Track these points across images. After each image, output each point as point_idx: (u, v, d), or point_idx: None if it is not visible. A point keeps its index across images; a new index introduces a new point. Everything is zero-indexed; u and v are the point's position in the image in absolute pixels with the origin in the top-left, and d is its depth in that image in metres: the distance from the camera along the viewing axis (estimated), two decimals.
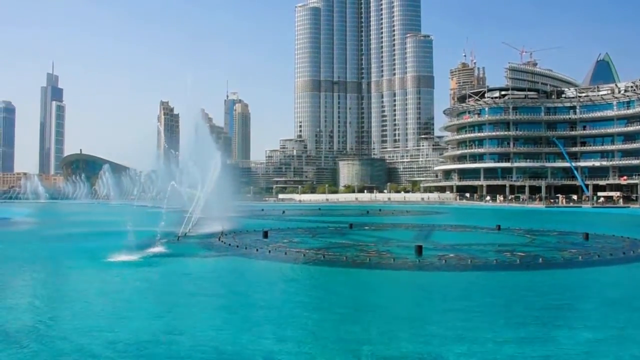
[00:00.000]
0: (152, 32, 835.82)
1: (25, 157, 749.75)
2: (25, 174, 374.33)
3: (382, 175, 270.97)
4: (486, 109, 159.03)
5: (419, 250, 29.26)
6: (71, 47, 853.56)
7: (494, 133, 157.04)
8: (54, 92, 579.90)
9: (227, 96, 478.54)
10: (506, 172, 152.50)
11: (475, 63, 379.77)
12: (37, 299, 19.16)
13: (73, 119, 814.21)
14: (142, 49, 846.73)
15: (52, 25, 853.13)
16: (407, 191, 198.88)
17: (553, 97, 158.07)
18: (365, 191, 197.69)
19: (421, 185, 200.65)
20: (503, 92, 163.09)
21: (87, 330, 14.22)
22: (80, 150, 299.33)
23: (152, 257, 28.75)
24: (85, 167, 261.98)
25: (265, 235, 39.58)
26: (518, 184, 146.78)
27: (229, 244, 34.22)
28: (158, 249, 31.73)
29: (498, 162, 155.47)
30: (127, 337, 13.54)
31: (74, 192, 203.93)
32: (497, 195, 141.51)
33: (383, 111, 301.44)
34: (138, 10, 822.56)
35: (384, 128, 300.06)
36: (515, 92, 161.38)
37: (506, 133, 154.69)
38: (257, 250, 31.23)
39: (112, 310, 16.88)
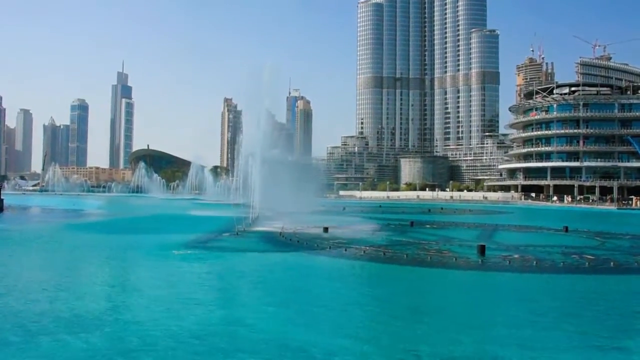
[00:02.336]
0: (216, 30, 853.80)
1: (97, 152, 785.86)
2: (97, 168, 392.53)
3: (445, 173, 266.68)
4: (554, 105, 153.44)
5: (482, 250, 28.61)
6: (140, 46, 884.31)
7: (562, 131, 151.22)
8: (123, 89, 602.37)
9: (290, 93, 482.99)
10: (575, 172, 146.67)
11: (543, 58, 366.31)
12: (104, 288, 19.98)
13: (141, 115, 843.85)
14: (206, 46, 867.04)
15: (122, 26, 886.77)
16: (469, 190, 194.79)
17: (628, 92, 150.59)
18: (427, 189, 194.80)
19: (484, 184, 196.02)
20: (573, 88, 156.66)
21: (151, 319, 14.69)
22: (148, 145, 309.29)
23: (213, 251, 29.45)
24: (152, 162, 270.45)
25: (326, 231, 39.73)
26: (587, 184, 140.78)
27: (290, 239, 34.53)
28: (219, 243, 32.44)
29: (566, 161, 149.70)
30: (189, 327, 13.90)
31: (142, 186, 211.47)
32: (565, 196, 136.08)
33: (446, 108, 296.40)
34: (202, 9, 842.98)
35: (447, 125, 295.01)
36: (587, 88, 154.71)
37: (576, 131, 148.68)
38: (317, 246, 31.38)
39: (174, 301, 17.37)
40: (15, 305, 16.08)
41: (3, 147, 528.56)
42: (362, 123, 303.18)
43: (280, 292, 19.80)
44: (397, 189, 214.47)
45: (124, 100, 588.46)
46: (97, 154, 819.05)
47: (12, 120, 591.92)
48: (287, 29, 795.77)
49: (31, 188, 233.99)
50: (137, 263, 25.80)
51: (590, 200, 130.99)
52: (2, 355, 11.38)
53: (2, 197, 72.04)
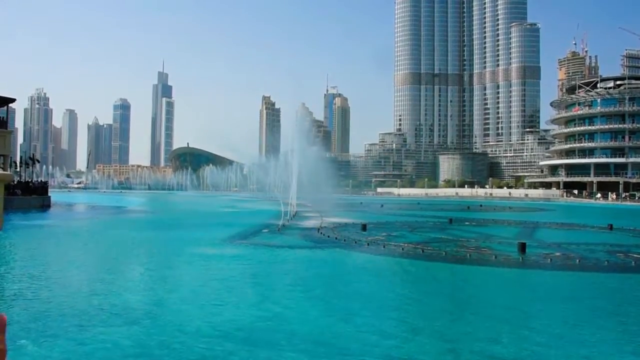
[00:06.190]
0: (255, 28, 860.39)
1: (139, 150, 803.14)
2: (139, 166, 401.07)
3: (484, 170, 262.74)
4: (598, 100, 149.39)
5: (522, 247, 28.17)
6: (180, 45, 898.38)
7: (606, 126, 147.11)
8: (164, 89, 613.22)
9: (327, 90, 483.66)
10: (620, 168, 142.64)
11: (586, 51, 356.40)
12: (146, 284, 20.49)
13: (181, 114, 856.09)
14: (244, 45, 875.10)
15: (162, 25, 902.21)
16: (510, 187, 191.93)
17: None
18: (466, 186, 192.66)
19: (525, 180, 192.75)
20: (618, 82, 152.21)
21: (193, 314, 15.00)
22: (188, 143, 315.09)
23: (255, 246, 29.85)
24: (192, 159, 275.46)
25: (364, 228, 39.75)
26: (634, 180, 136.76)
27: (328, 236, 34.68)
28: (258, 239, 32.84)
29: (611, 157, 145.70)
30: (230, 322, 14.13)
31: (182, 183, 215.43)
32: (609, 193, 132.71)
33: (485, 104, 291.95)
34: (239, 7, 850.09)
35: (487, 121, 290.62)
36: (633, 82, 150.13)
37: (621, 126, 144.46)
38: (355, 242, 31.44)
39: (215, 296, 17.67)
40: (68, 298, 16.69)
41: (50, 146, 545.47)
42: (400, 120, 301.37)
43: (318, 288, 19.94)
44: (435, 186, 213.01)
45: (164, 99, 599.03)
46: (139, 152, 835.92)
47: (58, 120, 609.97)
48: (324, 26, 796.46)
49: (76, 186, 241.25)
50: (176, 259, 26.33)
51: (637, 198, 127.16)
52: (57, 345, 11.86)
53: (49, 195, 74.60)
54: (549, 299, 18.71)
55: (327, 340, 12.81)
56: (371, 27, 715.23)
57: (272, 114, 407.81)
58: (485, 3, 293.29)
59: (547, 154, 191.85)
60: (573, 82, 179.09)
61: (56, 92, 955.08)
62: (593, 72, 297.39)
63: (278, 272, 23.20)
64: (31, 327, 12.93)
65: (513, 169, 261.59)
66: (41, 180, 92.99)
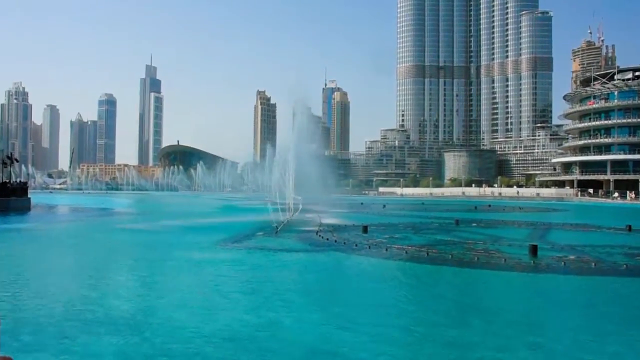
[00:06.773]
0: (248, 20, 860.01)
1: (126, 148, 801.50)
2: (125, 165, 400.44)
3: (492, 168, 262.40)
4: (615, 92, 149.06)
5: (534, 250, 28.13)
6: (169, 38, 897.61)
7: (624, 120, 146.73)
8: (152, 83, 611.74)
9: (326, 84, 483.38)
10: (638, 165, 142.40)
11: (602, 41, 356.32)
12: (135, 289, 20.41)
13: (171, 110, 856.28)
14: (237, 37, 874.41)
15: (150, 17, 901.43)
16: (520, 185, 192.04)
17: None
18: (473, 185, 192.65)
19: (536, 179, 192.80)
20: (637, 73, 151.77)
21: (183, 321, 14.93)
22: (178, 141, 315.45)
23: (249, 250, 29.79)
24: (182, 158, 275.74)
25: (365, 230, 39.69)
26: None
27: (327, 239, 34.62)
28: (254, 242, 32.75)
29: (629, 153, 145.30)
30: (222, 329, 14.08)
31: (171, 184, 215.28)
32: (627, 192, 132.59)
33: (494, 97, 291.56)
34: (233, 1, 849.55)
35: (495, 116, 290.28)
36: None
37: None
38: (356, 245, 31.38)
39: (208, 302, 17.63)
40: (50, 306, 16.56)
41: (30, 144, 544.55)
42: (402, 115, 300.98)
43: (317, 294, 19.88)
44: (440, 185, 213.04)
45: (152, 94, 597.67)
46: (126, 151, 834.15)
47: (38, 117, 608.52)
48: (324, 18, 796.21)
49: (58, 186, 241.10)
50: (168, 263, 26.23)
51: None
52: (39, 357, 11.75)
53: (29, 196, 74.42)
54: (563, 306, 18.63)
55: (323, 350, 12.71)
56: (372, 19, 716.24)
57: (267, 109, 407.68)
58: None
59: (560, 151, 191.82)
60: (588, 74, 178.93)
61: (36, 86, 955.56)
62: (610, 62, 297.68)
63: (273, 277, 23.10)
64: (5, 340, 12.81)
65: (523, 166, 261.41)
66: (20, 181, 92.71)
